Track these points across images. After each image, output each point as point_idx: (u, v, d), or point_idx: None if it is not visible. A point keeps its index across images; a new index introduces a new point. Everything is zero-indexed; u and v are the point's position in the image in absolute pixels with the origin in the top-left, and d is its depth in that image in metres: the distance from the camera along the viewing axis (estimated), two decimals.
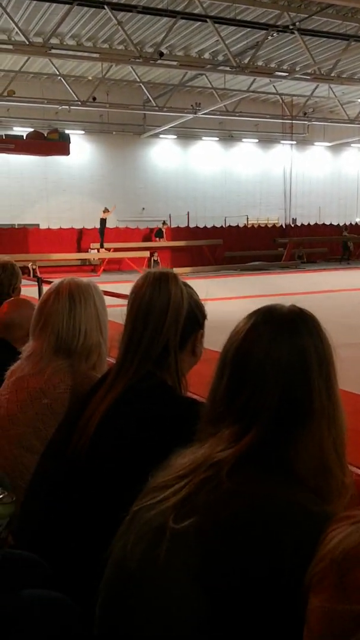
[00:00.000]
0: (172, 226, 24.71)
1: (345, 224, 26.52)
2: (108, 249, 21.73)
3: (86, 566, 1.25)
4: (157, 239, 23.23)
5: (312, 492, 1.01)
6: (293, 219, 28.45)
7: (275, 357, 1.05)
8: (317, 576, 0.75)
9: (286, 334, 1.07)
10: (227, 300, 10.81)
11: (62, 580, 1.34)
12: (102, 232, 21.68)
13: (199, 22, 17.32)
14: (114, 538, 1.09)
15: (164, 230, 23.41)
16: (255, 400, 1.05)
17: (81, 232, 22.59)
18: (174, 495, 1.02)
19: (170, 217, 25.62)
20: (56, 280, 2.01)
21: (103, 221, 21.70)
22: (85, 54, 18.73)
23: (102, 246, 21.67)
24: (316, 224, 27.77)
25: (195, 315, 1.58)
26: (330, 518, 0.91)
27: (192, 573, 0.95)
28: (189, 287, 1.60)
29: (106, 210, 21.72)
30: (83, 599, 1.15)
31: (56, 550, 1.47)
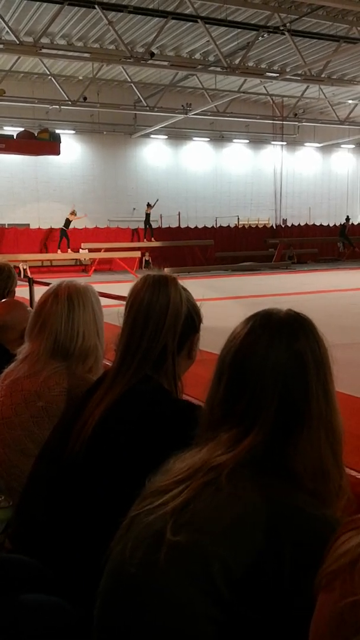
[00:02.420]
0: (163, 226, 24.70)
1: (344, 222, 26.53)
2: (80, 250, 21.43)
3: (84, 570, 1.25)
4: (147, 227, 23.09)
5: (310, 495, 1.02)
6: (283, 219, 28.52)
7: (273, 362, 1.06)
8: (330, 576, 0.76)
9: (284, 338, 1.08)
10: (219, 301, 10.82)
11: (60, 585, 1.34)
12: (65, 234, 21.24)
13: (190, 23, 17.32)
14: (111, 542, 1.09)
15: (149, 211, 23.00)
16: (253, 405, 1.06)
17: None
18: (172, 499, 1.02)
19: (161, 217, 25.60)
20: (54, 282, 2.01)
21: (68, 222, 21.37)
22: (76, 54, 18.70)
23: (68, 246, 21.27)
24: (306, 224, 27.86)
25: (193, 319, 1.59)
26: (330, 521, 0.92)
27: (193, 578, 0.95)
28: (187, 290, 1.61)
29: (74, 213, 21.40)
30: (82, 603, 1.15)
31: (54, 554, 1.47)
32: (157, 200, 23.53)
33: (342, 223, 26.45)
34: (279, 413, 1.05)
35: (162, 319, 1.52)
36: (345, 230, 25.65)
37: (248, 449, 1.03)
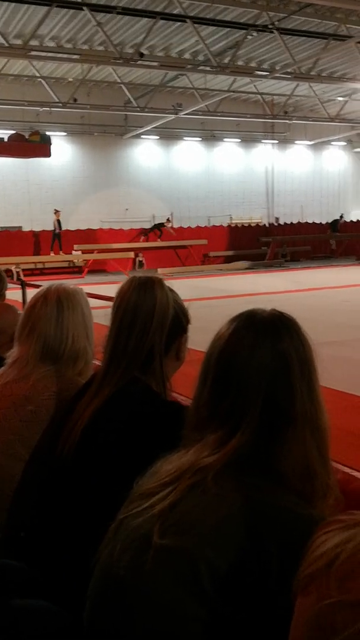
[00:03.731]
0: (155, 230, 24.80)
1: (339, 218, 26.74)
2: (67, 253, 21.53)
3: (74, 574, 1.24)
4: (156, 231, 23.39)
5: (297, 495, 1.02)
6: (276, 217, 28.57)
7: (258, 362, 1.06)
8: (307, 579, 0.76)
9: (268, 338, 1.08)
10: (213, 300, 10.83)
11: (50, 588, 1.34)
12: (59, 235, 21.40)
13: (179, 23, 17.32)
14: (100, 545, 1.09)
15: (167, 226, 23.55)
16: (239, 405, 1.06)
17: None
18: (160, 502, 1.02)
19: (154, 218, 25.61)
20: (44, 285, 2.00)
21: (58, 223, 21.49)
22: (66, 56, 18.66)
23: (60, 248, 21.39)
24: (299, 222, 27.91)
25: (180, 320, 1.59)
26: (316, 520, 0.92)
27: (180, 580, 0.95)
28: (174, 291, 1.61)
29: (56, 212, 21.58)
30: (72, 606, 1.15)
31: (44, 558, 1.46)
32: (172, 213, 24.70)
33: (335, 219, 26.62)
34: (264, 413, 1.05)
35: (149, 321, 1.52)
36: (337, 225, 25.85)
37: (234, 450, 1.03)
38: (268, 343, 1.08)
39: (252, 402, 1.05)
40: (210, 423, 1.09)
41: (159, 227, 23.82)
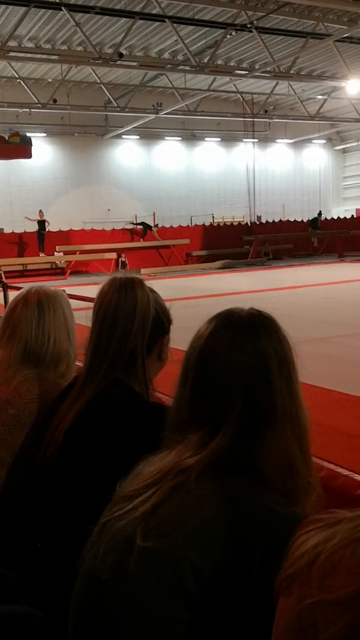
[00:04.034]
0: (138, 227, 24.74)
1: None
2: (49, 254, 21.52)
3: (59, 578, 1.24)
4: (141, 229, 23.52)
5: (279, 494, 1.02)
6: (258, 216, 28.64)
7: (237, 362, 1.06)
8: (288, 579, 0.76)
9: (246, 337, 1.08)
10: (196, 300, 10.83)
11: (34, 594, 1.33)
12: (42, 236, 21.36)
13: (158, 22, 17.32)
14: (84, 549, 1.09)
15: (154, 230, 23.64)
16: (219, 405, 1.06)
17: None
18: (142, 504, 1.02)
19: (136, 217, 25.56)
20: (24, 287, 1.99)
21: (41, 224, 21.42)
22: (44, 56, 18.58)
23: (42, 250, 21.37)
24: (280, 220, 28.01)
25: (161, 320, 1.59)
26: (298, 518, 0.92)
27: (164, 582, 0.95)
28: (155, 292, 1.61)
29: (40, 214, 21.58)
30: (57, 611, 1.14)
31: (28, 562, 1.46)
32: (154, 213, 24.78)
33: (315, 217, 26.79)
34: (244, 413, 1.05)
35: (130, 322, 1.52)
36: (317, 223, 26.01)
37: (216, 451, 1.03)
38: (246, 342, 1.08)
39: (232, 402, 1.05)
40: (192, 424, 1.08)
41: (146, 226, 23.76)
